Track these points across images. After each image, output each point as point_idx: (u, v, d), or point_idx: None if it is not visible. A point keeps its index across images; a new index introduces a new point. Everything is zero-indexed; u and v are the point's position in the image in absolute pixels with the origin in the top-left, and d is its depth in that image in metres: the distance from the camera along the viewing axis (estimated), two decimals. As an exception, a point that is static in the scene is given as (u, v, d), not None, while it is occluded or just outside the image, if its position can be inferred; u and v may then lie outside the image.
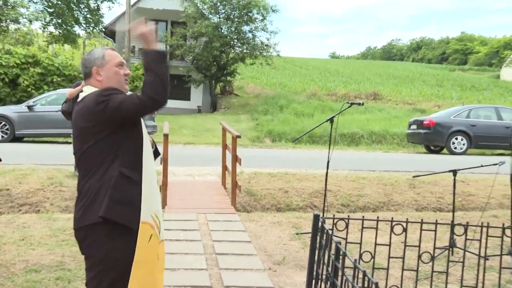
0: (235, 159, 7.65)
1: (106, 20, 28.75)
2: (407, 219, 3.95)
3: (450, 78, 48.99)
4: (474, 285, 4.11)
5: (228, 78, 27.76)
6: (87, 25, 27.03)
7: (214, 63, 26.08)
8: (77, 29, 27.35)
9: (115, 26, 28.87)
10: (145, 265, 2.57)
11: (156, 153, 2.92)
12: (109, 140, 2.53)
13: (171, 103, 25.51)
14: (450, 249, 5.14)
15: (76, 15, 26.28)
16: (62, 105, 8.17)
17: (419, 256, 4.00)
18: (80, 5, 26.18)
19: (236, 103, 26.91)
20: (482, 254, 4.14)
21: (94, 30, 28.34)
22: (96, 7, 26.55)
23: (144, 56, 2.54)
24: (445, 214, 7.84)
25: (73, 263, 4.86)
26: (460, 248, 4.93)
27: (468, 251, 4.74)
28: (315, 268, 3.77)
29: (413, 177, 7.32)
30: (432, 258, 4.05)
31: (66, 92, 15.67)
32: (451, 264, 4.39)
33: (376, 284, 2.52)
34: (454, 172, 5.71)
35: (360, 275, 2.61)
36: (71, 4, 25.46)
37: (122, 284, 2.54)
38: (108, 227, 2.49)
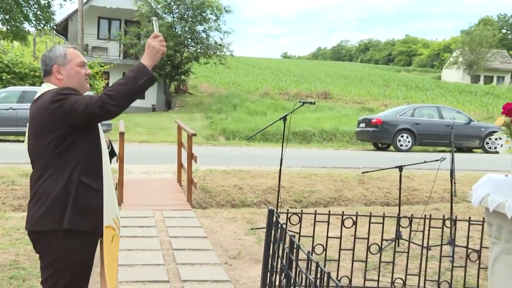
0: (191, 157, 7.65)
1: (58, 18, 28.04)
2: (356, 212, 4.10)
3: (396, 78, 50.11)
4: (418, 273, 4.31)
5: (182, 77, 27.57)
6: (38, 22, 26.17)
7: (168, 62, 25.84)
8: (27, 26, 26.48)
9: (68, 23, 28.19)
10: (114, 265, 2.66)
11: (112, 154, 2.90)
12: (64, 143, 2.48)
13: None
14: (396, 240, 5.33)
15: (25, 12, 25.40)
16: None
17: (368, 248, 4.16)
18: (30, 2, 25.34)
19: (190, 102, 26.75)
20: (425, 245, 4.34)
21: (45, 28, 27.50)
22: (46, 4, 25.74)
23: (137, 64, 2.49)
24: (392, 208, 8.07)
25: (28, 261, 4.76)
26: (405, 240, 5.13)
27: (413, 242, 4.94)
28: (270, 261, 3.86)
29: (362, 173, 7.53)
30: (380, 249, 4.22)
31: (17, 90, 15.28)
32: (397, 254, 4.56)
33: (329, 274, 2.62)
34: (400, 168, 5.93)
35: (313, 267, 2.70)
36: (20, 0, 24.61)
37: (78, 284, 2.55)
38: (68, 232, 2.47)
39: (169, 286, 4.35)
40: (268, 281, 3.85)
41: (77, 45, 21.28)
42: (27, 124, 2.59)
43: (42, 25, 26.47)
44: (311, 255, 3.13)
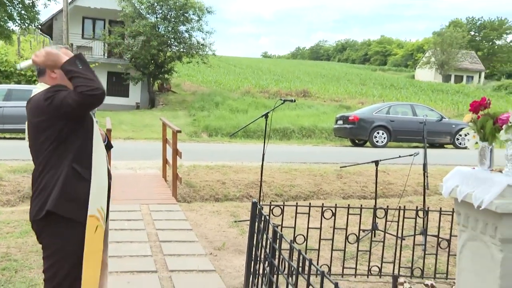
0: (176, 153, 7.70)
1: (43, 17, 27.65)
2: (335, 205, 4.21)
3: (372, 77, 50.55)
4: (392, 261, 4.44)
5: (166, 76, 27.48)
6: (22, 21, 25.77)
7: (152, 61, 25.74)
8: (11, 25, 26.06)
9: (53, 23, 27.83)
10: (95, 255, 2.64)
11: (109, 146, 2.96)
12: (60, 137, 2.53)
13: (110, 100, 25.26)
14: (373, 231, 5.47)
15: (9, 11, 25.00)
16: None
17: (346, 238, 4.28)
18: (14, 1, 24.94)
19: (173, 100, 26.66)
20: (400, 235, 4.47)
21: (30, 27, 27.12)
22: (31, 4, 25.36)
23: (62, 71, 2.53)
24: (369, 201, 8.20)
25: (19, 253, 4.77)
26: (381, 231, 5.27)
27: (388, 233, 5.08)
28: (254, 251, 3.95)
29: (341, 167, 7.65)
30: (357, 239, 4.34)
31: (3, 88, 15.08)
32: (373, 244, 4.68)
33: (310, 261, 2.72)
34: (376, 162, 6.06)
35: (295, 256, 2.80)
36: (4, 0, 24.21)
37: (78, 272, 2.60)
38: (60, 221, 2.52)
39: (157, 275, 4.41)
40: (252, 270, 3.94)
41: (63, 44, 21.06)
42: (26, 122, 2.64)
43: (26, 25, 26.08)
44: (280, 246, 3.24)
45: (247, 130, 19.39)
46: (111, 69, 27.73)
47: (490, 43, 71.88)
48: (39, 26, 27.58)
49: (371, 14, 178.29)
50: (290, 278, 2.96)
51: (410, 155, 5.93)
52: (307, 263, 2.94)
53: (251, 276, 3.93)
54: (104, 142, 2.85)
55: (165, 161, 9.00)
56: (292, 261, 3.01)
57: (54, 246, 2.56)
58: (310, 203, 4.21)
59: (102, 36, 26.99)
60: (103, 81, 27.45)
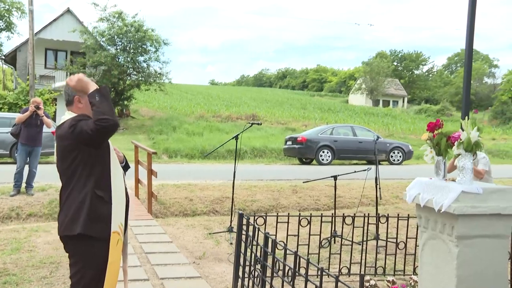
0: (151, 173, 7.73)
1: (6, 48, 26.79)
2: (310, 214, 4.45)
3: (311, 102, 51.69)
4: (359, 262, 4.71)
5: (125, 102, 27.22)
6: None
7: (113, 89, 25.45)
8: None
9: (17, 54, 27.08)
10: (116, 264, 2.78)
11: (126, 167, 3.07)
12: (83, 161, 2.64)
13: None
14: (333, 237, 5.73)
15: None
16: (12, 128, 8.29)
17: (320, 243, 4.52)
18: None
19: (133, 125, 26.32)
20: (364, 239, 4.76)
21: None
22: (-7, 36, 24.66)
23: (88, 98, 2.64)
24: (324, 212, 8.48)
25: (16, 268, 4.71)
26: (345, 239, 5.53)
27: (347, 239, 5.36)
28: (241, 256, 4.10)
29: (304, 182, 7.87)
30: (329, 244, 4.59)
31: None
32: (343, 248, 4.92)
33: (308, 260, 2.93)
34: (335, 177, 6.38)
35: (287, 258, 2.98)
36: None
37: (99, 278, 2.71)
38: (88, 239, 2.65)
39: (150, 283, 4.48)
40: (241, 273, 4.10)
41: (28, 75, 20.59)
42: (55, 145, 2.75)
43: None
44: (274, 250, 3.44)
45: (203, 151, 19.46)
46: None
47: (410, 72, 75.65)
48: (3, 57, 26.70)
49: (308, 45, 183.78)
50: (286, 277, 3.16)
51: (363, 170, 6.29)
52: (302, 263, 3.15)
53: (240, 279, 4.09)
54: (122, 163, 2.97)
55: (137, 181, 8.97)
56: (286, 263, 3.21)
57: (81, 257, 2.68)
58: (288, 213, 4.44)
59: (65, 67, 26.74)
60: (65, 108, 27.12)
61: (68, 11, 27.47)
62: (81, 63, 26.20)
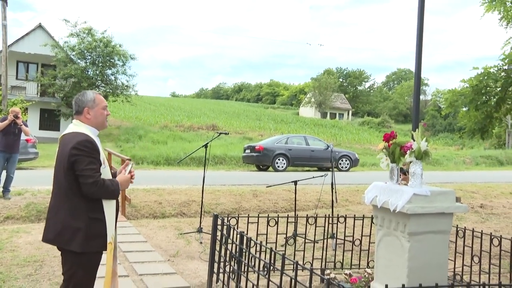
0: (124, 178, 7.63)
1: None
2: (278, 215, 4.58)
3: (265, 114, 52.13)
4: (320, 258, 4.87)
5: (93, 112, 26.82)
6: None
7: (82, 100, 25.09)
8: None
9: None
10: (109, 268, 2.81)
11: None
12: (77, 183, 2.61)
13: (44, 133, 24.23)
14: (295, 236, 5.88)
15: None
16: None
17: (286, 241, 4.65)
18: None
19: (100, 133, 25.52)
20: (326, 237, 4.93)
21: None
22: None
23: (117, 182, 2.76)
24: (282, 214, 8.64)
25: (2, 267, 4.60)
26: (301, 237, 5.70)
27: (306, 238, 5.52)
28: (216, 254, 4.17)
29: (267, 187, 7.96)
30: (294, 242, 4.73)
31: None
32: (307, 246, 5.07)
33: (283, 255, 3.05)
34: (295, 182, 6.54)
35: (260, 252, 3.07)
36: None
37: (90, 277, 2.72)
38: (84, 253, 2.65)
39: (130, 279, 4.46)
40: (216, 269, 4.16)
41: (0, 85, 19.98)
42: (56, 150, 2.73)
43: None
44: (249, 247, 3.54)
45: (168, 158, 19.26)
46: (44, 107, 27.18)
47: (354, 88, 78.01)
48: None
49: (261, 61, 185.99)
50: (262, 271, 3.26)
51: (320, 176, 6.50)
52: (277, 257, 3.26)
53: (215, 274, 4.15)
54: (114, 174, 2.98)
55: (109, 186, 8.82)
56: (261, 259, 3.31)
57: (74, 262, 2.66)
58: (258, 214, 4.54)
59: (36, 78, 26.43)
60: (36, 117, 26.69)
61: (40, 26, 27.18)
62: (52, 75, 26.00)
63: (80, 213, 2.61)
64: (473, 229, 4.70)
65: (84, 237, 2.60)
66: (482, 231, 4.56)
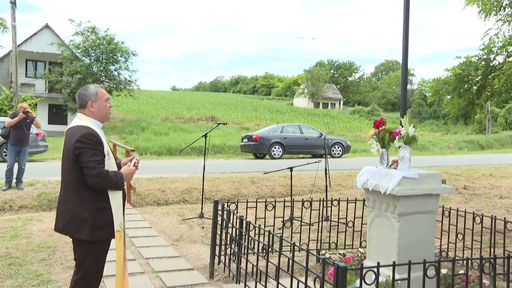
0: (129, 168, 7.61)
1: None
2: (275, 200, 4.58)
3: (261, 105, 51.92)
4: (316, 239, 4.89)
5: (99, 106, 26.97)
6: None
7: (87, 95, 25.25)
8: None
9: None
10: (121, 256, 2.79)
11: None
12: (81, 176, 2.56)
13: (53, 127, 24.27)
14: (292, 220, 5.90)
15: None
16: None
17: (283, 224, 4.65)
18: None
19: (105, 126, 25.36)
20: (320, 220, 4.94)
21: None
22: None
23: (121, 174, 2.69)
24: (278, 199, 8.65)
25: (18, 252, 4.63)
26: (297, 220, 5.72)
27: (302, 222, 5.54)
28: (217, 238, 4.18)
29: (264, 173, 7.94)
30: (291, 225, 4.74)
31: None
32: (303, 228, 5.09)
33: (281, 237, 3.05)
34: (291, 168, 6.54)
35: (261, 235, 3.07)
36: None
37: (99, 263, 2.71)
38: (92, 241, 2.62)
39: (137, 263, 4.46)
40: (217, 252, 4.17)
41: (11, 83, 20.02)
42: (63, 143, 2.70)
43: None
44: (248, 231, 3.54)
45: (170, 148, 19.22)
46: (52, 102, 27.23)
47: (345, 79, 77.77)
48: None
49: (256, 55, 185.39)
50: (261, 253, 3.27)
51: (315, 162, 6.49)
52: (275, 240, 3.26)
53: (216, 256, 4.16)
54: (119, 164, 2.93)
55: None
56: (260, 241, 3.31)
57: (81, 246, 2.65)
58: (257, 199, 4.54)
59: (44, 75, 26.49)
60: (44, 112, 26.67)
61: (47, 26, 27.13)
62: (58, 72, 26.04)
63: (86, 204, 2.58)
64: (457, 208, 4.73)
65: (91, 227, 2.57)
66: (465, 210, 4.59)
